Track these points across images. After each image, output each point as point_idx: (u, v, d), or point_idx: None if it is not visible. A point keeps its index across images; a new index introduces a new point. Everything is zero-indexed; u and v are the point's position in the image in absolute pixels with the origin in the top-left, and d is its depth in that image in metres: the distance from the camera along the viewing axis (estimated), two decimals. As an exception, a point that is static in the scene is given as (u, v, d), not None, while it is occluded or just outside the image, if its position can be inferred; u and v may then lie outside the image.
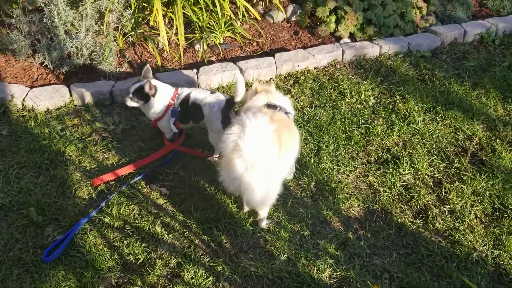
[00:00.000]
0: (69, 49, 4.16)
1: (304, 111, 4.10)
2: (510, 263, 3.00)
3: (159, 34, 4.78)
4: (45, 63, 4.24)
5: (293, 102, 4.19)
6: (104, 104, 4.09)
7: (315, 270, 2.88)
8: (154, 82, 3.41)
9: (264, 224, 3.13)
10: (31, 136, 3.69)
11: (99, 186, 3.34)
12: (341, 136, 3.85)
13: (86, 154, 3.60)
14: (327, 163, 3.60)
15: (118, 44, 4.55)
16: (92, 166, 3.51)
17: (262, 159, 2.61)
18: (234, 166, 2.63)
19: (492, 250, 3.07)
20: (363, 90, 4.39)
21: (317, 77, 4.57)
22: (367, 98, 4.32)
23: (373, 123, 4.00)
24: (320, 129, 3.91)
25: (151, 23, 4.84)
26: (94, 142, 3.72)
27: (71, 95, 4.06)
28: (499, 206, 3.36)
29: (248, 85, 4.33)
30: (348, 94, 4.34)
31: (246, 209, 3.19)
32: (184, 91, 3.45)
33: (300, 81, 4.48)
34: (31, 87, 4.10)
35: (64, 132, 3.77)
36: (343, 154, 3.70)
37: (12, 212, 3.15)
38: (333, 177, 3.50)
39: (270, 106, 2.99)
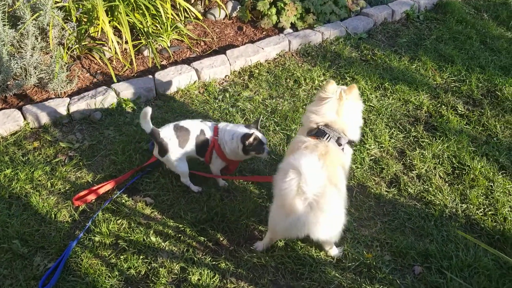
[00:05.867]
0: (15, 70, 3.94)
1: (266, 103, 4.23)
2: (477, 213, 3.35)
3: (103, 45, 4.67)
4: (-11, 89, 3.99)
5: (253, 96, 4.30)
6: (62, 122, 3.94)
7: (313, 250, 3.03)
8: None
9: (335, 253, 3.02)
10: (-8, 166, 3.48)
11: (80, 207, 3.24)
12: (306, 122, 4.03)
13: (57, 176, 3.46)
14: (299, 149, 3.76)
15: (62, 59, 4.37)
16: (67, 188, 3.39)
17: (326, 198, 2.50)
18: (299, 210, 2.49)
19: (460, 205, 3.40)
20: (315, 76, 4.60)
21: (270, 69, 4.71)
22: (321, 83, 4.54)
23: (332, 106, 4.21)
24: (285, 118, 4.06)
25: (93, 34, 4.69)
26: (62, 163, 3.58)
27: (25, 118, 3.87)
28: (457, 164, 3.72)
29: (206, 85, 4.39)
30: (303, 81, 4.54)
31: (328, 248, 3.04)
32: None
33: (255, 75, 4.59)
34: (-22, 116, 3.84)
35: (27, 157, 3.59)
36: (311, 138, 3.88)
37: (-10, 248, 2.98)
38: (308, 162, 3.66)
39: (319, 132, 2.86)
